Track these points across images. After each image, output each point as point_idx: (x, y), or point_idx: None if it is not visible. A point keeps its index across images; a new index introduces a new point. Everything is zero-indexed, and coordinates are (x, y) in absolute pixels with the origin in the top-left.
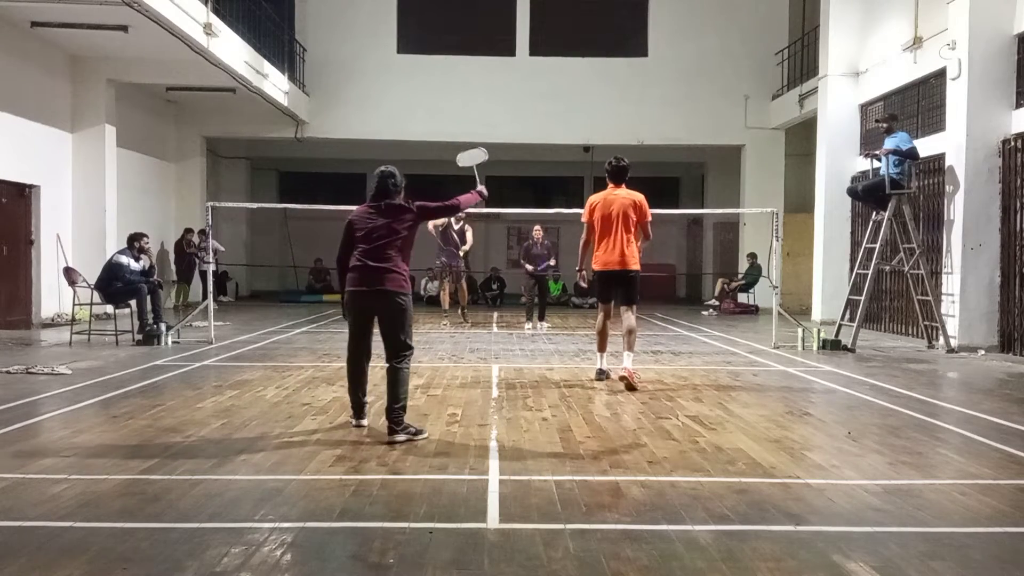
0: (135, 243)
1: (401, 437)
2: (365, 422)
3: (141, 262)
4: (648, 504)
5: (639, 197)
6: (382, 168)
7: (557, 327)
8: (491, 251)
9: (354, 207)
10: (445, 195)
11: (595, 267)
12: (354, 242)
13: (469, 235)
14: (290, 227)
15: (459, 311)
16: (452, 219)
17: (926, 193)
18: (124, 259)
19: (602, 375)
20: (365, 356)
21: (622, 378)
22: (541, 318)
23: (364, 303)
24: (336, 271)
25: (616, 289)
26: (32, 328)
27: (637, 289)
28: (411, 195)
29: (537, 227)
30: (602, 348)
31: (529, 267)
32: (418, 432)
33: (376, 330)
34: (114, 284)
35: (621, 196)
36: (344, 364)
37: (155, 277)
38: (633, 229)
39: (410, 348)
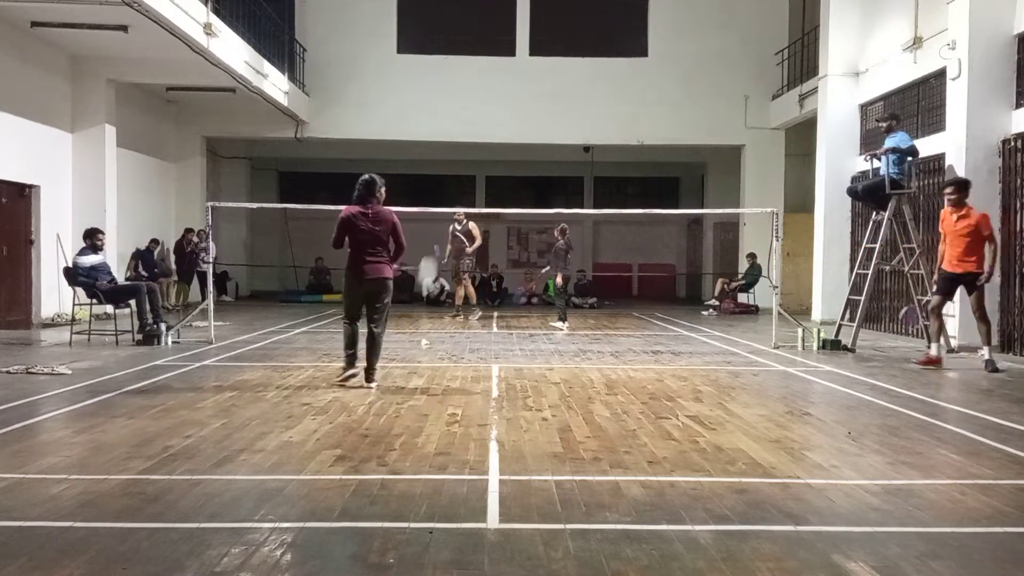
0: (88, 240)
1: (373, 385)
2: (357, 369)
3: (100, 254)
4: (648, 504)
5: None
6: (366, 177)
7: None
8: (491, 251)
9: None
10: (443, 195)
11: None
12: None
13: (475, 232)
14: (290, 227)
15: (455, 308)
16: (455, 223)
17: (926, 193)
18: (83, 259)
19: None
20: (359, 321)
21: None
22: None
23: (362, 287)
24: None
25: None
26: (32, 328)
27: None
28: (411, 195)
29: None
30: None
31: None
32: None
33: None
34: (99, 283)
35: None
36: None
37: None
38: None
39: (384, 317)
